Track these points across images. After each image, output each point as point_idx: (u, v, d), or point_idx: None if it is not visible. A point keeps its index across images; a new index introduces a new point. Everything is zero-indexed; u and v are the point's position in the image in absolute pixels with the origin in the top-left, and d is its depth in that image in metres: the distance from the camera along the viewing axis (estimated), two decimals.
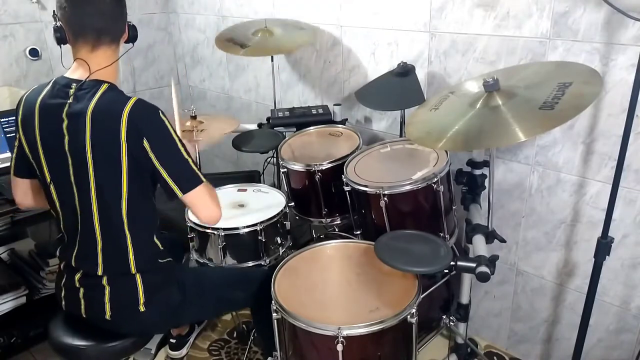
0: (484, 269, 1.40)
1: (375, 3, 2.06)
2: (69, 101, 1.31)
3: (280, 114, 2.24)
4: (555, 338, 1.96)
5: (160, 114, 1.31)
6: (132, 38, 1.43)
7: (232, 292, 1.63)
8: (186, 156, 1.34)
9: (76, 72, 1.34)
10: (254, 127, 2.33)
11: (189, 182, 1.34)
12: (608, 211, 1.42)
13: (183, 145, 1.34)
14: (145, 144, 1.28)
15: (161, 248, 1.48)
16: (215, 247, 1.80)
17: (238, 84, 2.93)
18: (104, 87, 1.32)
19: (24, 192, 1.52)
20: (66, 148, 1.32)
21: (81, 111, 1.28)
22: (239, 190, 2.09)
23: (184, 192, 1.33)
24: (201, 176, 1.36)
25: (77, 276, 1.43)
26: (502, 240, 1.69)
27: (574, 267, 1.82)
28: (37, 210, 1.56)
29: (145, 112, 1.30)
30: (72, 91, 1.31)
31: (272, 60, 2.38)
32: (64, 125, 1.31)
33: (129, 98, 1.29)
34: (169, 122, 1.32)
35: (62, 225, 1.45)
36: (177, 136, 1.34)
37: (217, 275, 1.69)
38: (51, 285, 2.14)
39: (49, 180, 1.39)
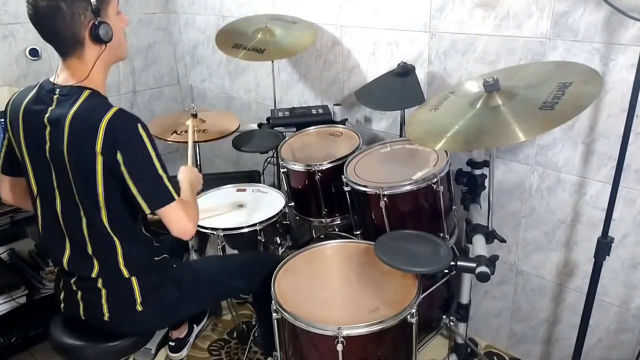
0: (484, 269, 1.40)
1: (375, 3, 2.06)
2: (51, 107, 1.29)
3: (280, 114, 2.24)
4: (555, 338, 1.96)
5: (139, 127, 1.26)
6: (95, 37, 1.25)
7: (230, 282, 1.63)
8: (161, 172, 1.29)
9: (60, 76, 1.32)
10: (254, 127, 2.33)
11: (159, 199, 1.30)
12: (608, 211, 1.42)
13: (160, 160, 1.30)
14: (119, 157, 1.23)
15: (155, 245, 1.47)
16: (215, 247, 1.80)
17: (238, 84, 2.93)
18: (86, 93, 1.28)
19: (8, 190, 1.53)
20: (47, 155, 1.30)
21: (61, 118, 1.26)
22: (238, 190, 2.09)
23: (152, 208, 1.30)
24: (174, 193, 1.31)
25: (73, 279, 1.43)
26: (502, 240, 1.69)
27: (574, 267, 1.82)
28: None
29: (123, 124, 1.25)
30: (55, 97, 1.29)
31: (272, 60, 2.38)
32: (47, 131, 1.29)
33: (110, 107, 1.25)
34: (148, 135, 1.28)
35: (44, 229, 1.43)
36: (155, 151, 1.29)
37: (215, 266, 1.68)
38: (51, 285, 2.14)
39: (34, 184, 1.39)
